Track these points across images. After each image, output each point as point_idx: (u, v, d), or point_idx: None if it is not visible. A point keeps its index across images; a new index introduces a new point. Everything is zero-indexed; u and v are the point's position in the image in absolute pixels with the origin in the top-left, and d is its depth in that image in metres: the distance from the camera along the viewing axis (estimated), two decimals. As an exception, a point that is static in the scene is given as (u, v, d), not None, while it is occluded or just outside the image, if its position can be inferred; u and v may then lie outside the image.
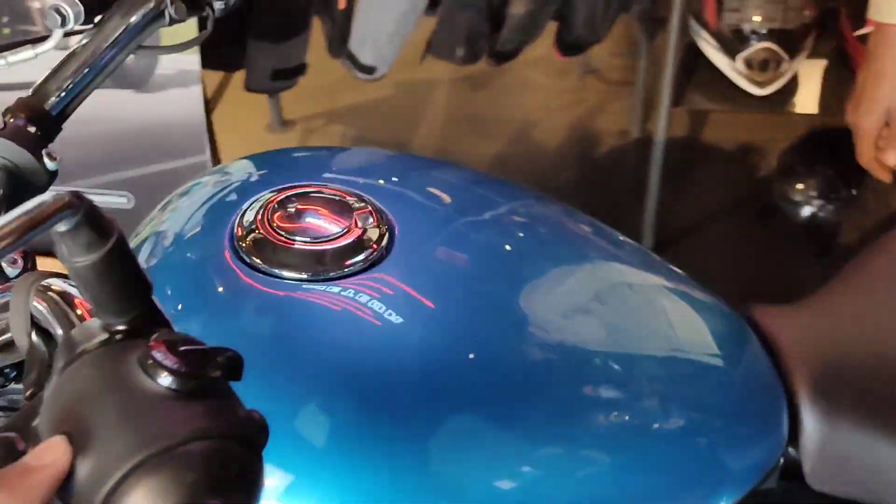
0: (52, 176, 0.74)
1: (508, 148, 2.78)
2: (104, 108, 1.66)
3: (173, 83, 1.64)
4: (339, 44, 2.05)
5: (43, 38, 0.81)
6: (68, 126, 1.64)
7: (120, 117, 1.67)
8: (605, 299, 0.89)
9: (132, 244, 0.89)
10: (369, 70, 2.06)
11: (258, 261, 0.75)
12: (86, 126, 1.66)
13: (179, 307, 0.76)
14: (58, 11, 0.78)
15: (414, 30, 2.07)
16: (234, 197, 0.87)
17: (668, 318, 0.91)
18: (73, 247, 0.42)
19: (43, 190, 0.74)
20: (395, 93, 2.88)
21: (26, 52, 0.79)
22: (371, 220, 0.79)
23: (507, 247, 0.87)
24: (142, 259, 0.86)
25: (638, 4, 2.14)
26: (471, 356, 0.75)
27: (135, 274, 0.45)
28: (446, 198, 0.89)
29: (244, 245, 0.76)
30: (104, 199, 1.72)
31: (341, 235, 0.77)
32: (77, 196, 0.41)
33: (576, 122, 2.86)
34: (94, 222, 0.42)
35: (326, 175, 0.88)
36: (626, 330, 0.87)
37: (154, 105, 1.65)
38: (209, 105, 2.23)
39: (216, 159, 2.30)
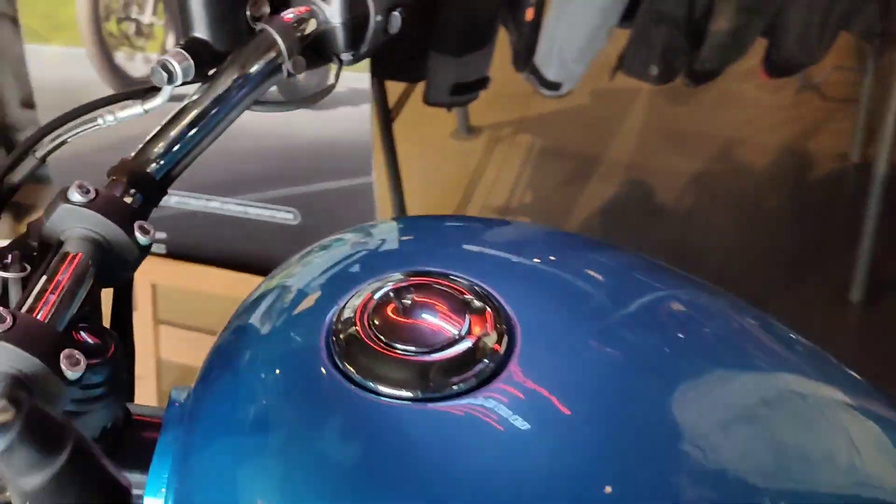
0: (145, 251, 0.67)
1: (709, 167, 2.57)
2: (276, 123, 1.63)
3: (343, 101, 1.59)
4: (524, 57, 1.93)
5: (155, 89, 0.75)
6: (245, 140, 1.63)
7: (290, 133, 1.64)
8: (775, 418, 0.74)
9: (263, 287, 0.82)
10: (554, 86, 1.93)
11: (350, 367, 0.65)
12: (258, 141, 1.65)
13: (271, 394, 0.68)
14: (164, 67, 0.71)
15: (604, 45, 1.92)
16: (351, 271, 0.78)
17: (852, 444, 0.75)
18: (14, 466, 0.34)
19: (134, 266, 0.68)
20: (590, 102, 2.73)
21: (135, 109, 0.74)
22: (489, 321, 0.67)
23: (658, 349, 0.73)
24: (257, 313, 0.78)
25: (861, 21, 1.88)
26: (608, 490, 0.63)
27: (102, 485, 0.36)
28: (588, 288, 0.76)
29: (338, 344, 0.67)
30: (272, 214, 1.71)
31: (451, 343, 0.65)
32: (13, 402, 0.33)
33: (788, 142, 2.61)
34: (38, 436, 0.33)
35: (455, 253, 0.77)
36: (798, 457, 0.71)
37: (323, 122, 1.61)
38: (392, 112, 2.18)
39: (395, 170, 2.25)
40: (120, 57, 1.68)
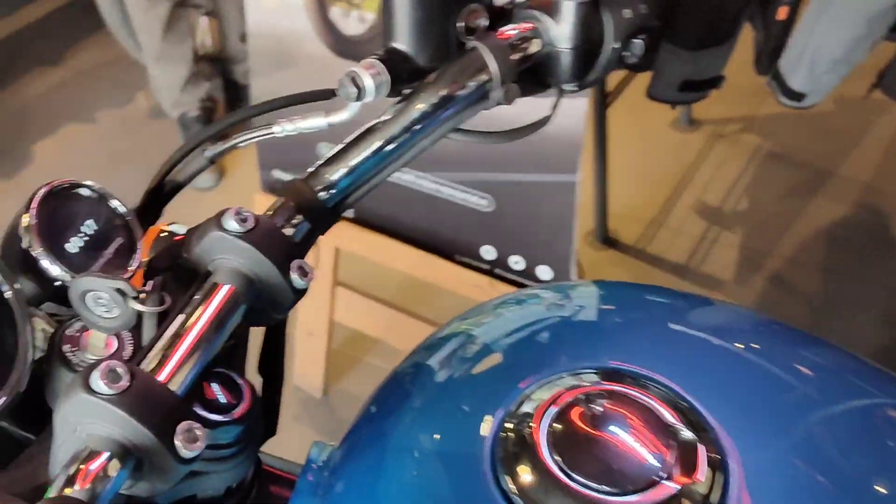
0: (300, 294, 0.58)
1: (961, 201, 2.25)
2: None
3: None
4: (768, 59, 1.72)
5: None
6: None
7: (497, 116, 1.52)
8: None
9: (447, 332, 0.72)
10: (797, 97, 1.71)
11: (512, 486, 0.53)
12: (462, 119, 1.53)
13: (418, 493, 0.57)
14: (354, 81, 0.60)
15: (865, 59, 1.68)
16: (540, 347, 0.66)
17: None
18: None
19: (286, 308, 0.59)
20: (834, 109, 2.45)
21: (318, 120, 0.64)
22: (700, 458, 0.53)
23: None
24: (429, 373, 0.68)
25: None
26: None
27: None
28: (813, 408, 0.62)
29: (506, 449, 0.55)
30: (465, 197, 1.60)
31: (649, 485, 0.52)
32: None
33: None
34: None
35: (659, 345, 0.63)
36: None
37: (536, 112, 1.47)
38: (608, 96, 2.02)
39: (603, 164, 2.09)
40: (335, 13, 1.61)
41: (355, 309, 1.90)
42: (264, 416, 0.66)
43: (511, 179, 1.56)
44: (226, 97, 2.71)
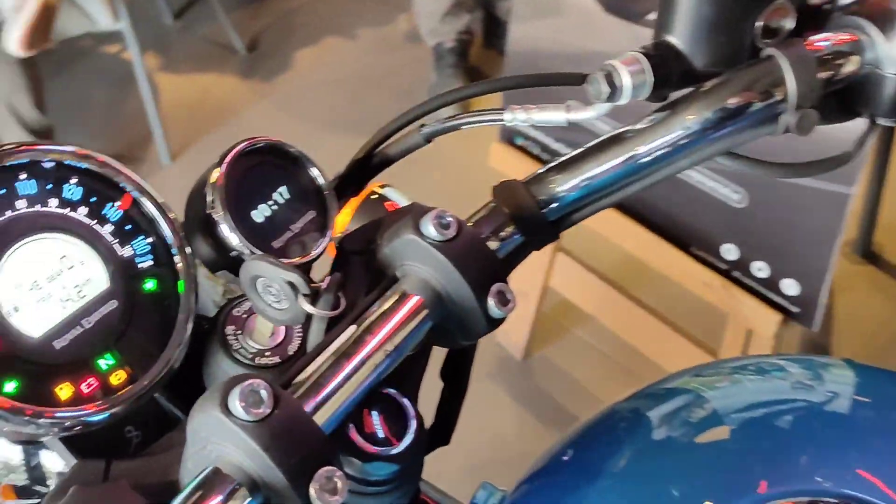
0: (494, 324, 0.48)
1: None
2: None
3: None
4: None
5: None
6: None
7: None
8: None
9: (671, 385, 0.61)
10: None
11: None
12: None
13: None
14: (608, 78, 0.49)
15: None
16: (776, 444, 0.53)
17: None
18: None
19: (474, 337, 0.50)
20: None
21: (556, 114, 0.53)
22: None
23: None
24: (657, 412, 0.57)
25: None
26: None
27: None
28: None
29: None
30: (715, 187, 1.44)
31: None
32: None
33: None
34: None
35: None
36: None
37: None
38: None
39: (883, 166, 1.84)
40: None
41: (572, 278, 1.79)
42: (439, 425, 0.58)
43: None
44: (484, 31, 2.63)
